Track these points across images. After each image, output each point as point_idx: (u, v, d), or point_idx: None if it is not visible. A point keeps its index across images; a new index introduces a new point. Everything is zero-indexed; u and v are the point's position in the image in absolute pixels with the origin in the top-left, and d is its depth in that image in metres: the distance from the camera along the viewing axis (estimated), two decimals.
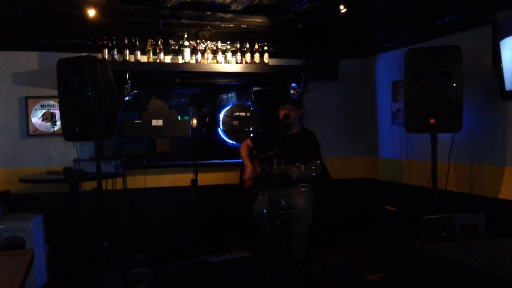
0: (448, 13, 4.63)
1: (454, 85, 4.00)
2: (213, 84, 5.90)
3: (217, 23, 5.31)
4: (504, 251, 2.20)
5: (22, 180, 4.66)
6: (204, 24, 5.32)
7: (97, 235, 4.25)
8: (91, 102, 4.08)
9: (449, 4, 4.53)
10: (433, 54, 4.10)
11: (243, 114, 5.74)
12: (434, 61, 4.09)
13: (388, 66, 5.71)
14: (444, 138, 4.34)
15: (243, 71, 5.45)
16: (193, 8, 4.94)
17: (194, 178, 4.62)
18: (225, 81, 5.82)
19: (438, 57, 4.07)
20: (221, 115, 5.75)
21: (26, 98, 5.07)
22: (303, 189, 4.48)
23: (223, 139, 5.77)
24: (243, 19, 5.27)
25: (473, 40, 4.40)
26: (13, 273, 2.02)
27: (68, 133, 4.29)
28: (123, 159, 5.07)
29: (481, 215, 3.03)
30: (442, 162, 4.38)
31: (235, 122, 5.71)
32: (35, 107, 5.09)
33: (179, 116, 5.40)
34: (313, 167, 4.18)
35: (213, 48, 5.44)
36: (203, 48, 5.38)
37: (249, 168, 4.79)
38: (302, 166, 4.26)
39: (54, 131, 5.09)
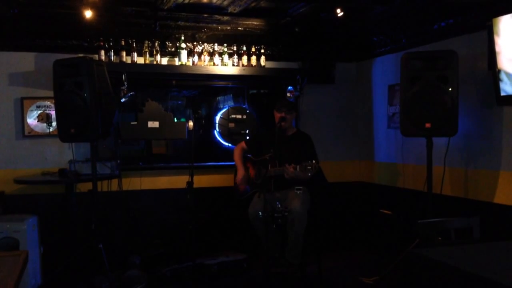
0: (444, 18, 4.65)
1: (450, 89, 4.01)
2: (209, 87, 5.90)
3: (214, 25, 5.32)
4: (498, 255, 2.20)
5: (17, 181, 4.64)
6: (201, 26, 5.32)
7: (92, 237, 4.24)
8: (87, 104, 4.08)
9: (445, 9, 4.55)
10: (429, 59, 4.12)
11: (239, 116, 5.74)
12: (430, 65, 4.10)
13: (384, 70, 5.73)
14: (439, 142, 4.35)
15: (240, 73, 5.45)
16: (190, 10, 4.94)
17: (189, 180, 4.62)
18: (221, 83, 5.82)
19: (434, 61, 4.09)
20: (218, 118, 5.75)
21: (22, 98, 5.06)
22: (298, 192, 4.48)
23: (219, 141, 5.77)
24: (240, 22, 5.28)
25: (468, 45, 4.42)
26: (7, 274, 2.01)
27: (63, 134, 4.28)
28: (118, 161, 5.06)
29: (476, 219, 3.04)
30: (437, 166, 4.39)
31: (231, 125, 5.71)
32: (31, 108, 5.08)
33: (175, 118, 5.39)
34: (308, 167, 4.17)
35: (210, 50, 5.44)
36: (200, 50, 5.39)
37: (240, 173, 4.80)
38: (298, 167, 4.26)
39: (49, 132, 5.08)
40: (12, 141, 5.05)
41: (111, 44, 5.10)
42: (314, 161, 4.19)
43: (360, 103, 6.16)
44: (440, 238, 3.05)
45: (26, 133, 5.07)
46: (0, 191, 4.90)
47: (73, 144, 4.82)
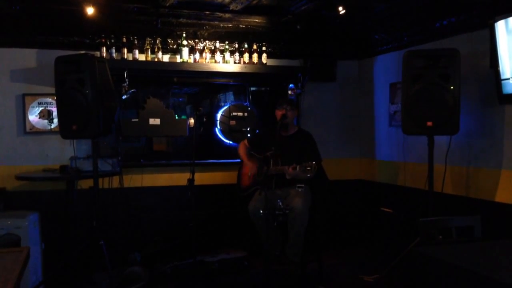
0: (446, 16, 4.64)
1: (452, 87, 4.00)
2: (211, 84, 5.90)
3: (216, 22, 5.31)
4: (500, 254, 2.20)
5: (18, 178, 4.64)
6: (203, 24, 5.32)
7: (93, 234, 4.25)
8: (88, 100, 4.08)
9: (447, 7, 4.54)
10: (431, 57, 4.11)
11: (240, 114, 5.74)
12: (432, 63, 4.09)
13: (386, 68, 5.72)
14: (441, 140, 4.35)
15: (241, 71, 5.45)
16: (192, 8, 4.94)
17: (190, 177, 4.62)
18: (223, 81, 5.82)
19: (436, 59, 4.08)
20: (219, 115, 5.75)
21: (24, 95, 5.06)
22: (300, 189, 4.47)
23: (220, 139, 5.77)
24: (242, 19, 5.27)
25: (471, 43, 4.41)
26: (8, 271, 2.02)
27: (65, 131, 4.28)
28: (120, 158, 5.07)
29: (477, 218, 3.04)
30: (438, 164, 4.39)
31: (233, 122, 5.71)
32: (32, 105, 5.08)
33: (176, 115, 5.39)
34: (308, 168, 4.17)
35: (211, 47, 5.44)
36: (201, 48, 5.38)
37: (250, 165, 4.79)
38: (298, 167, 4.26)
39: (51, 128, 5.08)
40: (14, 138, 5.06)
41: (112, 41, 5.10)
42: (313, 162, 4.18)
43: (361, 101, 6.16)
44: (441, 237, 3.05)
45: (27, 129, 5.08)
46: (1, 188, 4.91)
47: (74, 141, 4.82)
